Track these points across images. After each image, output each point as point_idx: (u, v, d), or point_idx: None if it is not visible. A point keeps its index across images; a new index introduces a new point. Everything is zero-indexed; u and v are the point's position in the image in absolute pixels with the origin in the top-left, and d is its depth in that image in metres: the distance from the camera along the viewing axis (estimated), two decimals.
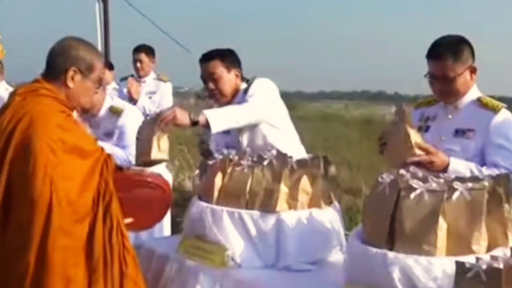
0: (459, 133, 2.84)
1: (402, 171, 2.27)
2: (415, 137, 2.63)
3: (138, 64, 6.45)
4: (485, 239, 2.10)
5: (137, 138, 3.20)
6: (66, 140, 2.46)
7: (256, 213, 2.73)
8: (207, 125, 3.09)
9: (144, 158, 3.07)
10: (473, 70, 2.85)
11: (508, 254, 1.84)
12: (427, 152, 2.62)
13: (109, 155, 2.62)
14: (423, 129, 2.94)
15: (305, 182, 2.78)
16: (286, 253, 2.71)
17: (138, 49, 6.51)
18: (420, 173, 2.27)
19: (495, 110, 2.80)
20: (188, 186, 8.03)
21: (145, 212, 2.83)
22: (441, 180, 2.18)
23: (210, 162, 3.00)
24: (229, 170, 2.87)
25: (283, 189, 2.74)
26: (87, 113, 3.83)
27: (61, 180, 2.40)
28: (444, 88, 2.84)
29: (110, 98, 4.27)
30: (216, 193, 2.86)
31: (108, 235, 2.47)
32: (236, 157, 2.89)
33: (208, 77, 3.45)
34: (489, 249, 2.10)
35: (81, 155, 2.50)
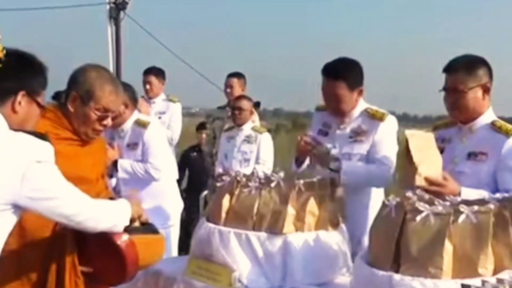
0: (472, 156, 2.82)
1: (408, 193, 2.28)
2: (423, 169, 2.61)
3: (148, 86, 6.53)
4: (492, 262, 2.10)
5: None
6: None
7: (263, 234, 2.73)
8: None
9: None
10: (486, 90, 2.84)
11: None
12: (436, 184, 2.61)
13: (106, 192, 2.56)
14: (439, 151, 2.90)
15: (312, 204, 2.79)
16: (293, 274, 2.71)
17: (148, 71, 6.61)
18: (426, 196, 2.27)
19: (508, 134, 2.77)
20: None
21: (104, 271, 2.52)
22: (447, 203, 2.18)
23: (218, 184, 3.02)
24: (236, 192, 2.88)
25: (290, 211, 2.75)
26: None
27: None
28: (454, 102, 2.85)
29: (137, 111, 4.38)
30: (223, 215, 2.86)
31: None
32: (244, 179, 2.90)
33: (330, 94, 3.33)
34: (495, 272, 2.09)
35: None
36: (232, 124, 5.72)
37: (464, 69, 2.82)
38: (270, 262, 2.73)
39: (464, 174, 2.79)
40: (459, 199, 2.26)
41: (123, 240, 2.39)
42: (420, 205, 2.17)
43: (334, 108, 3.35)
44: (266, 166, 5.20)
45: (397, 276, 2.08)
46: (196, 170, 7.16)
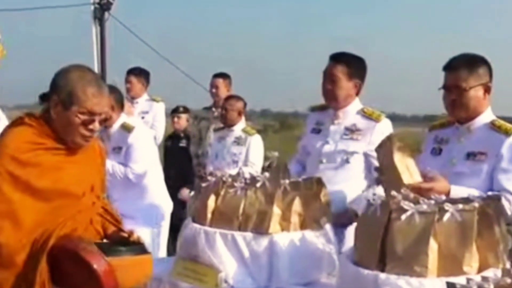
0: (471, 156, 2.80)
1: (393, 192, 2.28)
2: (405, 177, 2.58)
3: (128, 85, 6.59)
4: (476, 260, 2.11)
5: None
6: (18, 175, 2.30)
7: (249, 234, 2.73)
8: None
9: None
10: (487, 89, 2.83)
11: (499, 275, 1.85)
12: (421, 189, 2.54)
13: (92, 208, 2.44)
14: (436, 152, 2.93)
15: (297, 203, 2.79)
16: (279, 274, 2.71)
17: (129, 72, 6.68)
18: (411, 195, 2.28)
19: (507, 133, 2.75)
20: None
21: None
22: (432, 202, 2.19)
23: (203, 184, 3.01)
24: (222, 192, 2.87)
25: (276, 210, 2.75)
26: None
27: None
28: (456, 100, 2.81)
29: (125, 114, 4.37)
30: (209, 215, 2.86)
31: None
32: (230, 179, 2.90)
33: (328, 77, 3.41)
34: (480, 270, 2.11)
35: (37, 196, 2.33)
36: (221, 124, 5.71)
37: (465, 67, 2.80)
38: (256, 262, 2.73)
39: (463, 174, 2.77)
40: (444, 197, 2.27)
41: (101, 264, 2.27)
42: (405, 204, 2.18)
43: (329, 91, 3.38)
44: (254, 168, 5.18)
45: (382, 275, 2.09)
46: (179, 165, 6.74)
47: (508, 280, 1.76)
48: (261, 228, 2.74)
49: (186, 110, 6.97)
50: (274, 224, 2.74)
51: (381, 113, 3.39)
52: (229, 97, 5.72)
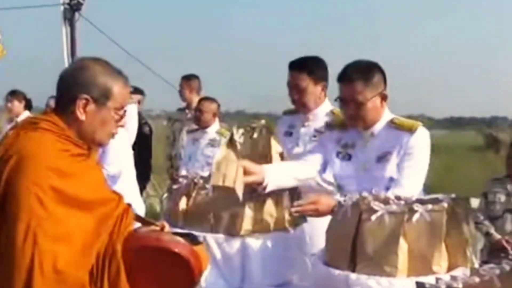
0: (381, 158, 2.79)
1: (364, 193, 2.31)
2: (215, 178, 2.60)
3: None
4: (445, 259, 2.14)
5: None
6: (61, 188, 1.94)
7: (221, 236, 2.73)
8: None
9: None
10: (384, 97, 2.80)
11: (468, 274, 1.88)
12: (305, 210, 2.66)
13: (127, 208, 2.13)
14: (344, 157, 2.90)
15: (270, 205, 2.79)
16: (252, 276, 2.72)
17: None
18: (382, 195, 2.31)
19: (411, 131, 2.76)
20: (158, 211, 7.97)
21: None
22: (402, 202, 2.22)
23: (175, 186, 3.00)
24: (193, 194, 2.87)
25: (248, 212, 2.75)
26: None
27: (49, 240, 1.88)
28: (354, 113, 2.77)
29: None
30: (181, 217, 2.85)
31: None
32: (201, 181, 2.90)
33: (293, 87, 3.38)
34: (449, 269, 2.14)
35: (83, 208, 1.99)
36: (194, 126, 5.69)
37: (360, 78, 2.73)
38: (228, 264, 2.73)
39: (376, 176, 2.77)
40: (414, 198, 2.30)
41: (184, 248, 2.04)
42: (375, 205, 2.21)
43: (298, 100, 3.38)
44: None
45: (353, 275, 2.12)
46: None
47: (477, 279, 1.79)
48: (233, 230, 2.74)
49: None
50: (246, 226, 2.74)
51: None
52: (203, 99, 5.70)
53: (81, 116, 2.07)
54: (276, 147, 3.01)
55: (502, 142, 21.08)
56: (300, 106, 3.41)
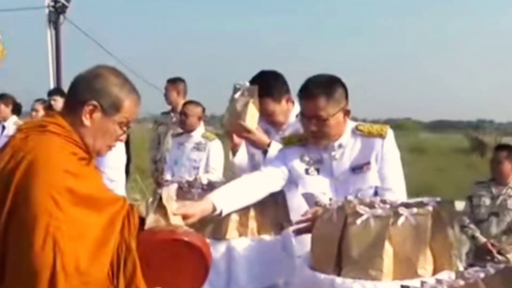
0: (356, 169, 2.77)
1: (350, 197, 2.31)
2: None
3: None
4: (431, 262, 2.14)
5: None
6: (75, 190, 1.94)
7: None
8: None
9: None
10: (346, 112, 2.77)
11: (453, 277, 1.88)
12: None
13: (132, 207, 2.14)
14: (314, 173, 2.84)
15: (255, 208, 2.79)
16: (237, 280, 2.71)
17: None
18: (367, 199, 2.31)
19: (382, 136, 2.75)
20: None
21: (178, 283, 2.15)
22: (387, 206, 2.22)
23: (160, 191, 2.99)
24: (179, 198, 2.85)
25: (233, 216, 2.75)
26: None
27: (68, 241, 1.88)
28: (317, 129, 2.74)
29: None
30: None
31: None
32: (186, 185, 2.88)
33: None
34: (435, 272, 2.14)
35: (95, 208, 1.99)
36: (179, 130, 5.67)
37: (322, 94, 2.68)
38: (214, 268, 2.69)
39: (352, 183, 2.77)
40: (399, 201, 2.30)
41: (196, 238, 2.12)
42: (361, 209, 2.20)
43: (270, 122, 3.39)
44: (215, 174, 5.12)
45: (339, 279, 2.11)
46: None
47: (462, 282, 1.80)
48: (218, 234, 2.73)
49: None
50: (232, 230, 2.74)
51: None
52: (187, 103, 5.69)
53: (86, 121, 2.08)
54: (252, 111, 3.07)
55: (488, 146, 21.29)
56: (274, 125, 3.41)
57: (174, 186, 2.87)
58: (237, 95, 3.09)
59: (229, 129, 3.25)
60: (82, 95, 2.10)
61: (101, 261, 1.94)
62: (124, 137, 2.23)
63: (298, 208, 2.76)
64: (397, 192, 2.70)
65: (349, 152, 2.80)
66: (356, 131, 2.80)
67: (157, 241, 2.09)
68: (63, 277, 1.85)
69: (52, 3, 8.97)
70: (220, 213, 2.64)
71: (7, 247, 1.89)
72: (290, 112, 3.39)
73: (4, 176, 1.93)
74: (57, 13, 8.96)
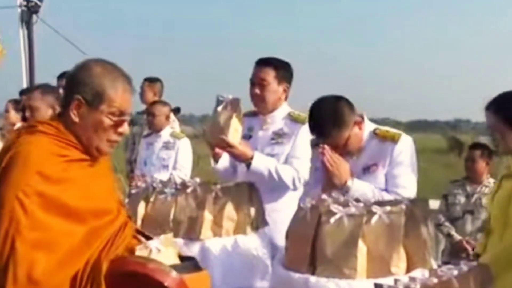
0: (366, 170, 2.80)
1: (323, 196, 2.30)
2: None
3: (61, 90, 6.36)
4: (404, 260, 2.15)
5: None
6: (48, 194, 1.85)
7: (180, 241, 2.69)
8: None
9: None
10: (359, 123, 2.78)
11: (427, 275, 1.88)
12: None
13: (127, 221, 2.04)
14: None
15: (229, 208, 2.77)
16: (212, 280, 2.66)
17: (61, 76, 6.43)
18: (341, 198, 2.30)
19: (394, 140, 2.79)
20: None
21: None
22: (361, 204, 2.22)
23: (133, 191, 2.96)
24: (152, 199, 2.84)
25: (208, 216, 2.73)
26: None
27: (27, 247, 1.80)
28: (340, 152, 2.74)
29: None
30: (139, 222, 2.82)
31: None
32: (160, 185, 2.86)
33: (256, 82, 3.37)
34: (408, 270, 2.15)
35: (72, 218, 1.88)
36: (150, 130, 5.64)
37: (334, 127, 2.70)
38: None
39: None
40: (372, 200, 2.30)
41: (172, 278, 1.86)
42: (334, 207, 2.20)
43: (259, 95, 3.36)
44: (183, 172, 5.12)
45: (313, 278, 2.11)
46: None
47: (435, 280, 1.80)
48: (192, 234, 2.72)
49: None
50: (206, 230, 2.72)
51: (306, 117, 3.35)
52: (154, 102, 5.66)
53: (75, 118, 1.98)
54: (235, 125, 3.07)
55: (465, 145, 21.46)
56: (259, 102, 3.38)
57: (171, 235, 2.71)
58: (219, 108, 3.08)
59: (212, 142, 3.24)
60: (69, 90, 2.02)
61: (65, 273, 1.84)
62: (125, 129, 2.07)
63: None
64: (409, 189, 2.71)
65: (365, 153, 2.83)
66: (373, 134, 2.83)
67: (128, 272, 1.90)
68: (12, 282, 1.78)
69: (25, 3, 8.84)
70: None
71: None
72: (280, 104, 3.42)
73: None
74: (29, 12, 8.84)
